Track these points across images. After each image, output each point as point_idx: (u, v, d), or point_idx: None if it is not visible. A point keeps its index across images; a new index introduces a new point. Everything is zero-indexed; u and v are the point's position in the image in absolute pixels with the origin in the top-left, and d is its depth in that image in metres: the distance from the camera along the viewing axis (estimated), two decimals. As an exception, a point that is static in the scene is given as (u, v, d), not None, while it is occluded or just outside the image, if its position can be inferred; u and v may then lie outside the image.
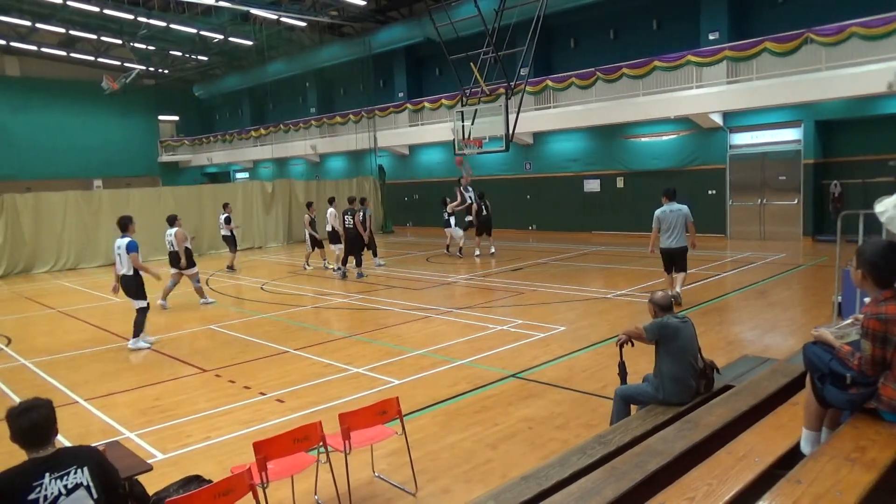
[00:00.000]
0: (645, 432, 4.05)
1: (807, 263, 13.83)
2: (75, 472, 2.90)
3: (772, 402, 4.13)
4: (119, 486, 3.20)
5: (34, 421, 2.91)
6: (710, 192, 18.80)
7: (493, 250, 17.14)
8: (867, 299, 3.26)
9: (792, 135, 17.55)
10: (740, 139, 18.49)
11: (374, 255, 16.47)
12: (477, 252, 16.99)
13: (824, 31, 15.42)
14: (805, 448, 3.32)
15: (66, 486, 2.85)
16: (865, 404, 3.18)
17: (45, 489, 2.80)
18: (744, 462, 3.13)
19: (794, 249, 15.98)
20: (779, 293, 10.88)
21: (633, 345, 4.93)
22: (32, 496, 2.77)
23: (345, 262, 14.79)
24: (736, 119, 18.36)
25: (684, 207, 9.95)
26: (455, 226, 17.64)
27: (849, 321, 3.49)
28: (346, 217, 14.59)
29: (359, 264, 14.74)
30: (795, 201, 17.56)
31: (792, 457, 3.27)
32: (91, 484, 2.93)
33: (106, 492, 3.01)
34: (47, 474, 2.83)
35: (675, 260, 10.06)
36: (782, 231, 17.80)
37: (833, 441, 3.11)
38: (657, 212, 9.95)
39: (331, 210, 16.03)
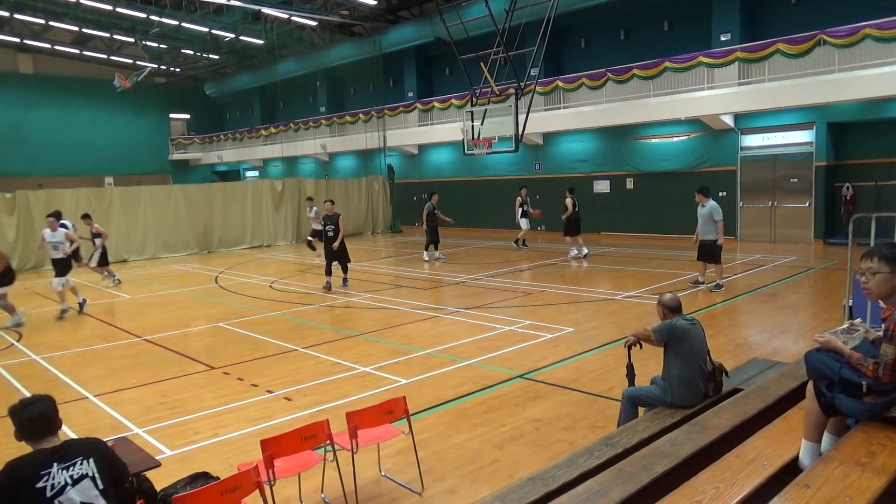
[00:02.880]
0: (652, 434, 4.03)
1: (818, 266, 13.73)
2: (81, 463, 2.96)
3: (781, 405, 4.10)
4: (126, 480, 3.23)
5: (41, 411, 3.00)
6: (720, 193, 18.65)
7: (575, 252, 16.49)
8: (882, 302, 3.17)
9: (804, 137, 17.42)
10: (751, 141, 18.38)
11: (436, 248, 16.98)
12: (585, 251, 16.45)
13: (837, 33, 15.30)
14: (805, 460, 3.21)
15: (72, 476, 2.91)
16: (886, 413, 3.07)
17: (53, 478, 2.86)
18: (752, 466, 3.11)
19: (805, 252, 15.87)
20: (789, 296, 10.81)
21: (641, 346, 4.91)
22: (40, 485, 2.84)
23: (328, 271, 13.23)
24: (747, 121, 18.25)
25: None
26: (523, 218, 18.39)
27: (844, 326, 3.34)
28: (327, 225, 12.97)
29: (329, 273, 13.25)
30: (807, 204, 17.43)
31: (798, 459, 3.24)
32: (97, 475, 2.98)
33: (113, 484, 3.05)
34: (55, 464, 2.89)
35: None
36: (793, 233, 17.68)
37: (842, 446, 3.08)
38: (718, 206, 11.13)
39: (62, 229, 11.75)
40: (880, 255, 3.05)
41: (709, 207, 11.04)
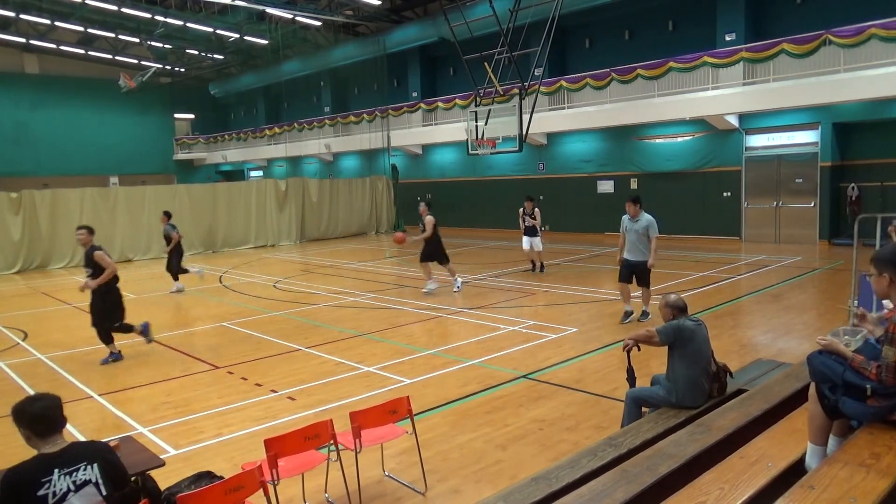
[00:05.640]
0: (656, 435, 4.02)
1: (823, 267, 13.69)
2: (84, 469, 2.91)
3: (785, 406, 4.08)
4: (128, 482, 3.20)
5: (51, 405, 2.96)
6: (725, 194, 18.65)
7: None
8: (886, 302, 3.17)
9: (809, 137, 17.37)
10: (756, 141, 18.33)
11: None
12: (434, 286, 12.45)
13: (843, 33, 15.25)
14: (811, 464, 3.20)
15: (74, 483, 2.86)
16: (891, 416, 3.06)
17: (54, 485, 2.81)
18: (756, 467, 3.10)
19: (810, 253, 15.82)
20: (794, 297, 10.78)
21: (639, 349, 4.91)
22: (42, 492, 2.78)
23: (105, 338, 8.56)
24: (752, 121, 18.21)
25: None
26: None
27: (847, 326, 3.34)
28: (86, 265, 8.72)
29: (107, 341, 8.53)
30: (812, 204, 17.38)
31: (805, 462, 3.23)
32: (100, 480, 2.93)
33: (116, 488, 3.02)
34: (56, 470, 2.83)
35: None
36: (798, 234, 17.63)
37: (847, 447, 3.07)
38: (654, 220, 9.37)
39: None
40: (874, 258, 3.19)
41: (644, 221, 9.24)
